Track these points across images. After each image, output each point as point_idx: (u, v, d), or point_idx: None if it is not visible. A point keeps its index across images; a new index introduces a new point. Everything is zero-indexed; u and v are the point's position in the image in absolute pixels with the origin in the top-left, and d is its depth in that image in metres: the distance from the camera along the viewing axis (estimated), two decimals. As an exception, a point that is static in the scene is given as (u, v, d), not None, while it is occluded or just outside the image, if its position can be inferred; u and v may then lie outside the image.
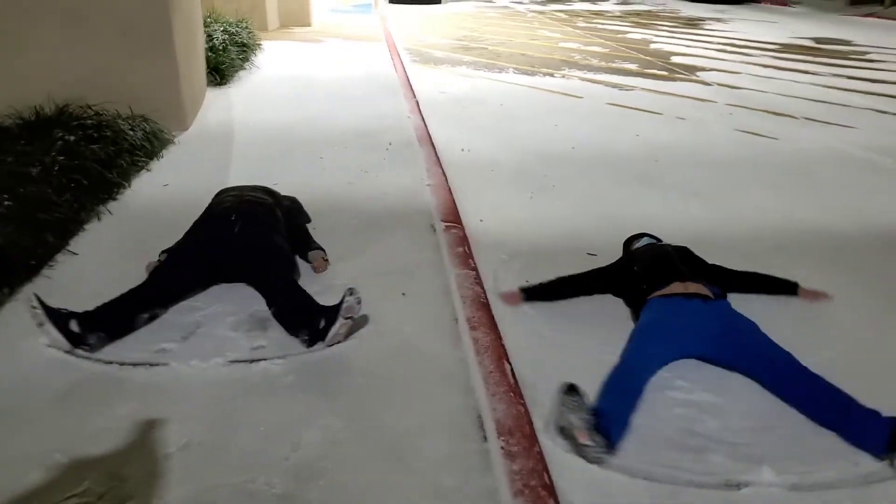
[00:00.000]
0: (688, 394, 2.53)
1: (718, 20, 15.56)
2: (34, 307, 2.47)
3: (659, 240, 3.35)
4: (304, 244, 3.30)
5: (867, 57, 10.93)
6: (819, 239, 3.99)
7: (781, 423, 2.38)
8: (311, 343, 2.57)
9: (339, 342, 2.60)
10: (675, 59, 10.27)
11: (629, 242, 3.38)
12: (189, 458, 2.02)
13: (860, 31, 14.30)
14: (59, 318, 2.48)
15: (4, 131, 4.34)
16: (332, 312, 2.58)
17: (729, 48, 11.52)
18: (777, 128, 6.40)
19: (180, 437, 2.10)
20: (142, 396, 2.30)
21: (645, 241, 3.29)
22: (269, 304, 2.78)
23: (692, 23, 15.12)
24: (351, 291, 2.60)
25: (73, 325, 2.49)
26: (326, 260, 3.27)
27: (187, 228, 3.12)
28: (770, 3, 19.57)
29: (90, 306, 2.62)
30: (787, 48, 11.51)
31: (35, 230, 3.27)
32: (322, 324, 2.57)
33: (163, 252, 3.09)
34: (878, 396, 2.32)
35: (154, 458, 2.00)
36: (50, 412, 2.21)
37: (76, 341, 2.49)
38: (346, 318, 2.56)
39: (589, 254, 3.60)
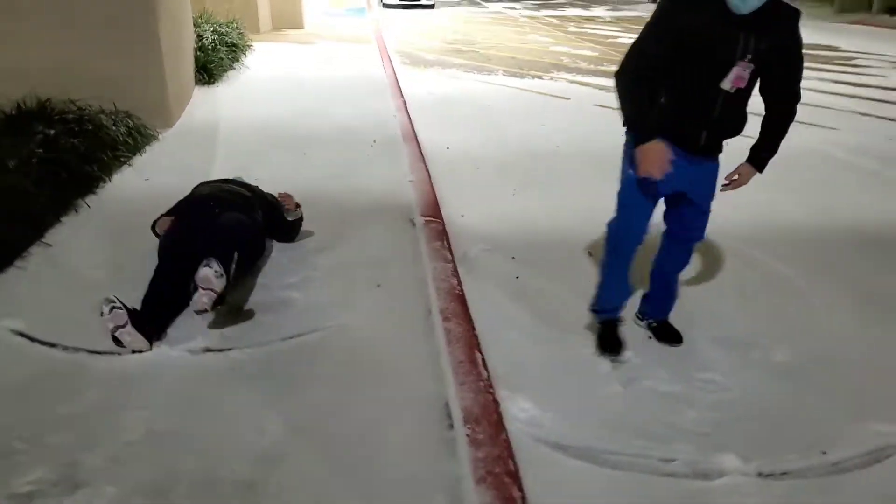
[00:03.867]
0: (657, 384, 2.53)
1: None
2: (117, 308, 2.41)
3: None
4: (280, 216, 3.40)
5: (853, 62, 11.01)
6: (796, 234, 4.00)
7: (749, 413, 2.38)
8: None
9: (205, 311, 2.54)
10: (664, 63, 10.32)
11: None
12: (151, 444, 2.00)
13: (847, 37, 14.42)
14: (136, 318, 2.45)
15: (-16, 124, 4.31)
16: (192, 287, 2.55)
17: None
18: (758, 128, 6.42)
19: (144, 425, 2.07)
20: (108, 384, 2.27)
21: None
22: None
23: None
24: (207, 263, 2.53)
25: (145, 325, 2.47)
26: (297, 204, 3.46)
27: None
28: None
29: (63, 300, 2.59)
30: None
31: (8, 221, 3.24)
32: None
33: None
34: (853, 389, 2.32)
35: (114, 446, 1.98)
36: (13, 400, 2.19)
37: (150, 339, 2.47)
38: (205, 289, 2.49)
39: (589, 253, 3.62)
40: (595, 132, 6.20)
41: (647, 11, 19.42)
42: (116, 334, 2.39)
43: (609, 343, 2.78)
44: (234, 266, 2.72)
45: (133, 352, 2.43)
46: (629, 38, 13.21)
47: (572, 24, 15.82)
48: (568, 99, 7.63)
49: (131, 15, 5.17)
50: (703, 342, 2.85)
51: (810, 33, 14.79)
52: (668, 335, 2.86)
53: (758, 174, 2.50)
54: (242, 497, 1.83)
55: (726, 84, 2.25)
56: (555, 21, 16.33)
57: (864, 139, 6.20)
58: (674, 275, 2.82)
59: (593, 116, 6.86)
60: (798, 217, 4.30)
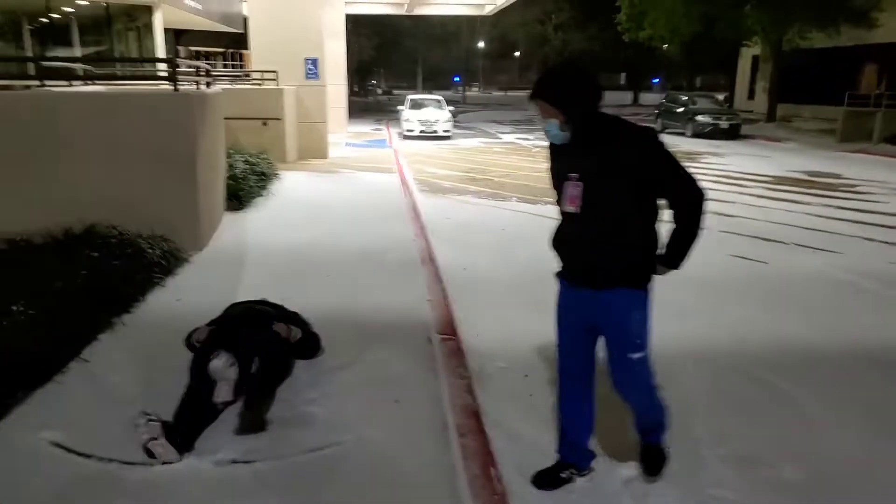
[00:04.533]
0: (669, 501, 2.56)
1: (715, 154, 16.41)
2: (152, 420, 2.59)
3: None
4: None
5: (856, 189, 11.42)
6: (802, 353, 4.10)
7: None
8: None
9: (230, 400, 2.78)
10: (670, 190, 10.77)
11: None
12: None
13: (850, 165, 14.97)
14: (168, 431, 2.61)
15: (36, 248, 4.67)
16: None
17: (724, 180, 12.09)
18: (767, 253, 6.66)
19: (170, 534, 2.16)
20: (138, 494, 2.38)
21: None
22: None
23: (690, 156, 15.94)
24: (215, 356, 2.76)
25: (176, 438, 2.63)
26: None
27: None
28: (764, 140, 20.66)
29: (98, 414, 2.76)
30: (780, 180, 12.08)
31: (51, 340, 3.47)
32: None
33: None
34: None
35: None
36: (49, 506, 2.30)
37: (180, 451, 2.61)
38: (220, 379, 2.71)
39: None
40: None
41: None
42: (149, 445, 2.53)
43: (544, 476, 2.68)
44: (254, 369, 2.90)
45: (163, 463, 2.55)
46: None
47: (582, 153, 16.65)
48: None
49: (173, 152, 5.67)
50: (713, 459, 2.90)
51: (815, 161, 15.44)
52: (647, 458, 2.72)
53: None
54: None
55: (564, 204, 2.40)
56: (565, 151, 17.22)
57: (868, 262, 6.39)
58: (632, 403, 2.68)
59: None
60: (804, 336, 4.41)
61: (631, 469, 2.80)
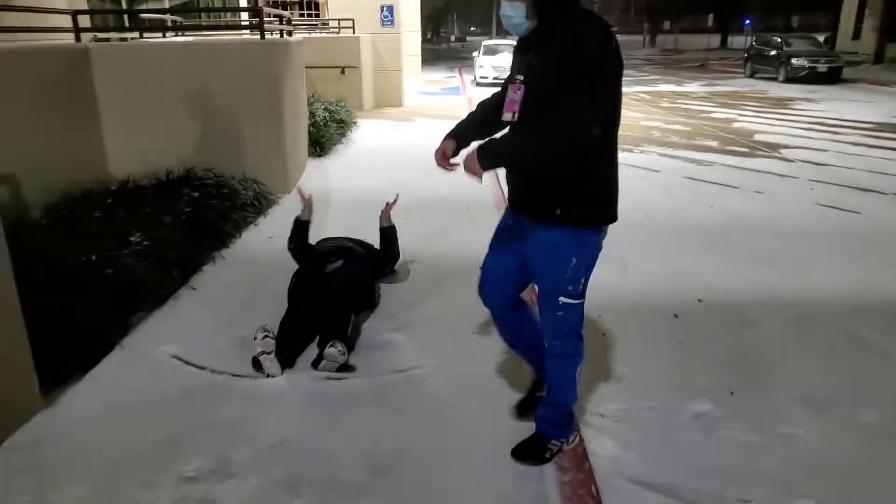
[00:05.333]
0: (737, 434, 2.66)
1: (809, 100, 15.46)
2: (269, 337, 2.89)
3: None
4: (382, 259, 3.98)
5: (965, 134, 10.58)
6: (890, 305, 3.99)
7: (831, 465, 2.45)
8: (312, 366, 2.96)
9: (329, 370, 2.93)
10: (757, 137, 10.34)
11: None
12: (285, 449, 2.39)
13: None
14: (280, 352, 2.93)
15: (143, 189, 5.08)
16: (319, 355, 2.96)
17: (817, 127, 11.45)
18: (861, 203, 6.37)
19: (278, 434, 2.47)
20: (247, 401, 2.71)
21: None
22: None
23: (780, 102, 15.11)
24: (333, 344, 2.92)
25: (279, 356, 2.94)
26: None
27: (289, 273, 3.63)
28: (869, 83, 19.17)
29: (208, 333, 3.11)
30: (882, 127, 11.31)
31: (164, 267, 3.84)
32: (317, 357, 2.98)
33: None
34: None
35: (256, 448, 2.37)
36: (175, 407, 2.66)
37: (283, 367, 2.93)
38: (330, 362, 2.91)
39: (675, 315, 3.82)
40: (685, 203, 6.37)
41: (742, 86, 19.45)
42: (260, 358, 2.84)
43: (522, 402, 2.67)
44: (350, 326, 3.19)
45: (267, 376, 2.85)
46: (723, 113, 13.31)
47: (665, 99, 16.09)
48: (658, 171, 7.84)
49: (261, 99, 5.95)
50: (786, 400, 2.94)
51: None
52: (526, 446, 2.40)
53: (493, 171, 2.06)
54: (359, 495, 2.15)
55: (504, 110, 2.03)
56: (647, 97, 16.68)
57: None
58: (548, 373, 2.41)
59: (684, 188, 7.04)
60: (890, 288, 4.28)
61: (700, 403, 2.90)
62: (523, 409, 2.63)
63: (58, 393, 2.73)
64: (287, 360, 2.95)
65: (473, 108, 2.41)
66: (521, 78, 1.96)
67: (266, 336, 2.86)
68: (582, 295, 2.19)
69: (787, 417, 2.80)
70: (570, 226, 2.06)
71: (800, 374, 3.17)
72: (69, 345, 2.85)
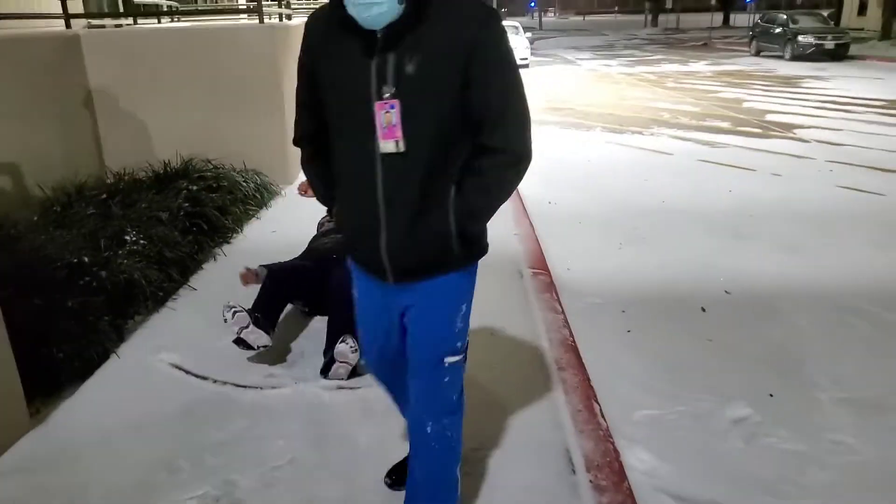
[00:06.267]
0: (780, 442, 2.47)
1: (817, 78, 15.13)
2: (237, 311, 2.70)
3: None
4: None
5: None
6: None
7: (887, 481, 2.27)
8: (322, 374, 2.75)
9: (341, 378, 2.71)
10: (769, 118, 10.07)
11: None
12: (295, 471, 2.18)
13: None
14: (254, 317, 2.74)
15: (139, 182, 4.87)
16: (329, 359, 2.74)
17: (829, 105, 11.17)
18: (884, 184, 6.15)
19: (287, 453, 2.26)
20: (253, 414, 2.50)
21: None
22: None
23: (789, 81, 14.79)
24: (344, 340, 2.70)
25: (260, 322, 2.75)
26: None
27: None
28: (876, 60, 18.80)
29: (209, 338, 2.90)
30: (895, 105, 11.05)
31: (162, 266, 3.64)
32: (325, 363, 2.76)
33: (261, 266, 3.30)
34: None
35: (264, 470, 2.17)
36: (175, 424, 2.45)
37: (268, 333, 2.75)
38: (342, 362, 2.69)
39: (702, 308, 3.63)
40: (701, 187, 6.16)
41: (748, 65, 19.07)
42: (242, 335, 2.67)
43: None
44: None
45: (258, 347, 2.70)
46: (732, 93, 13.01)
47: (670, 79, 15.76)
48: (671, 154, 7.61)
49: (260, 85, 5.71)
50: (829, 403, 2.76)
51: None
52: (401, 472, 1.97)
53: None
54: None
55: (381, 144, 1.45)
56: (652, 77, 16.34)
57: None
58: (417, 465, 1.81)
59: (698, 172, 6.81)
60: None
61: (738, 407, 2.71)
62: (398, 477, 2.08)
63: (47, 410, 2.53)
64: (267, 325, 2.76)
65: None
66: (392, 90, 1.42)
67: (234, 311, 2.69)
68: (466, 347, 1.75)
69: (833, 423, 2.62)
70: (466, 264, 1.65)
71: (839, 372, 2.98)
72: (60, 355, 2.66)
